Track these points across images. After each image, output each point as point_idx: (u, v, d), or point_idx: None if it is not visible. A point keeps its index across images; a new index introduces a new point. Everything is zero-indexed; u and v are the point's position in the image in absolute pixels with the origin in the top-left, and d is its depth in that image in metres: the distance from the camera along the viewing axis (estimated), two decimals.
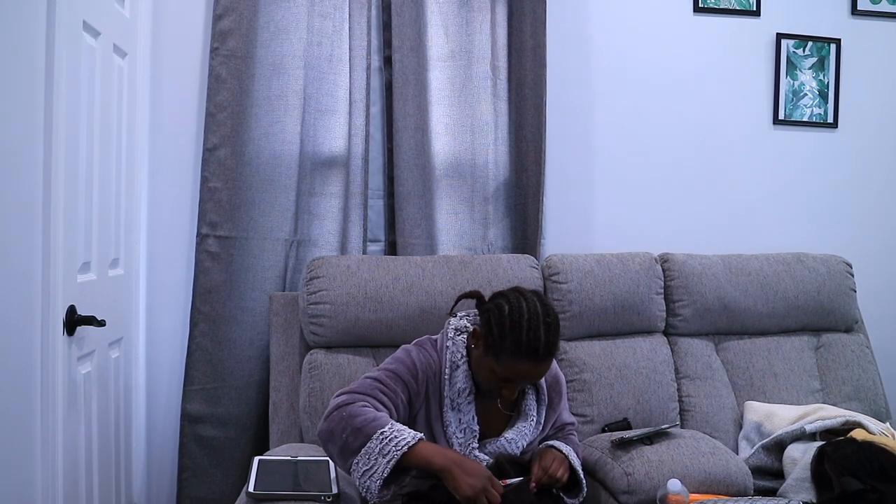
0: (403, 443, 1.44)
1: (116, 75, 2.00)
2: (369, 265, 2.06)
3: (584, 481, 1.67)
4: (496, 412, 1.65)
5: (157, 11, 2.27)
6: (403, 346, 1.68)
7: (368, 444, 1.44)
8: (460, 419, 1.61)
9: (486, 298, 1.63)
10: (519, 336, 1.50)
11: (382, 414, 1.50)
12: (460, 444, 1.60)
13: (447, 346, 1.63)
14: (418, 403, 1.60)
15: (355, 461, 1.45)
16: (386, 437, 1.44)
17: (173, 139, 2.30)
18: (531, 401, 1.69)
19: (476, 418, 1.62)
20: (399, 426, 1.48)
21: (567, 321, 2.17)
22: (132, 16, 2.13)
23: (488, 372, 1.55)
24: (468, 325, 1.66)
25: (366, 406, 1.50)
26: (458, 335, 1.65)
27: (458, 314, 1.70)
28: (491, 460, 1.61)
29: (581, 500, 1.67)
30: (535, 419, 1.68)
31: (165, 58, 2.28)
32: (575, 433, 1.81)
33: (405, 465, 1.45)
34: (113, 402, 2.01)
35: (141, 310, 2.26)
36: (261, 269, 2.26)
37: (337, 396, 1.55)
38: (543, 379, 1.69)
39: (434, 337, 1.69)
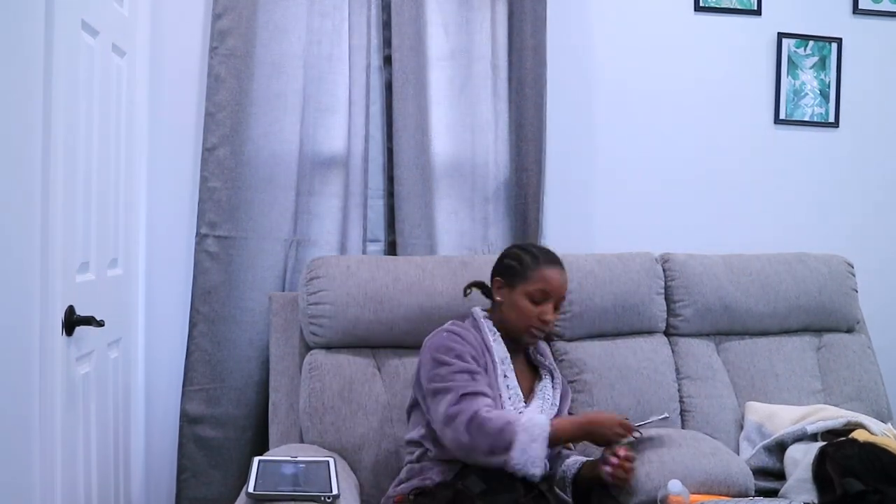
0: (543, 423, 1.60)
1: (115, 75, 1.99)
2: (369, 265, 2.05)
3: None
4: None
5: (156, 10, 2.26)
6: (441, 334, 1.74)
7: (518, 438, 1.57)
8: (508, 385, 1.73)
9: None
10: (535, 252, 1.79)
11: (503, 411, 1.65)
12: (514, 407, 1.71)
13: (482, 323, 1.79)
14: (486, 364, 1.73)
15: (511, 456, 1.56)
16: (527, 427, 1.58)
17: (172, 139, 2.29)
18: (547, 383, 1.82)
19: (519, 387, 1.75)
20: (526, 414, 1.66)
21: (567, 321, 2.16)
22: (131, 15, 2.12)
23: (523, 302, 1.73)
24: (484, 311, 1.84)
25: (487, 408, 1.62)
26: (485, 318, 1.81)
27: (474, 307, 1.85)
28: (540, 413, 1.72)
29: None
30: (550, 400, 1.79)
31: (164, 57, 2.27)
32: None
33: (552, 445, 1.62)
34: (112, 403, 2.00)
35: (140, 310, 2.26)
36: (260, 269, 2.26)
37: (455, 404, 1.62)
38: (553, 366, 1.87)
39: (459, 321, 1.81)
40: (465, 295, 1.88)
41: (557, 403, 1.80)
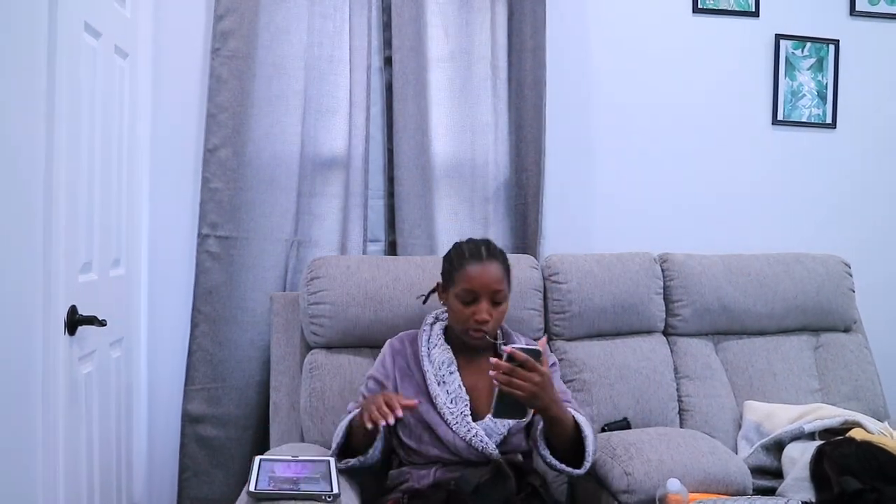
0: (352, 414, 1.64)
1: (117, 76, 2.00)
2: (369, 265, 2.06)
3: (589, 448, 1.63)
4: (482, 392, 1.70)
5: (158, 12, 2.27)
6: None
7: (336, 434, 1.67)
8: (447, 391, 1.70)
9: None
10: (462, 250, 1.74)
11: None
12: (453, 414, 1.68)
13: (424, 330, 1.80)
14: (397, 384, 1.74)
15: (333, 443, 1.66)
16: (347, 417, 1.67)
17: (174, 140, 2.30)
18: None
19: (463, 388, 1.70)
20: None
21: (567, 321, 2.17)
22: (133, 16, 2.13)
23: (456, 305, 1.69)
24: (440, 314, 1.84)
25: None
26: (435, 323, 1.82)
27: (431, 313, 1.85)
28: (484, 433, 1.66)
29: (586, 469, 1.64)
30: None
31: (166, 58, 2.28)
32: (572, 401, 1.80)
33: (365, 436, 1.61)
34: (114, 403, 2.01)
35: (142, 310, 2.26)
36: (261, 270, 2.26)
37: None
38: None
39: (408, 334, 1.84)
40: (423, 303, 1.89)
41: None
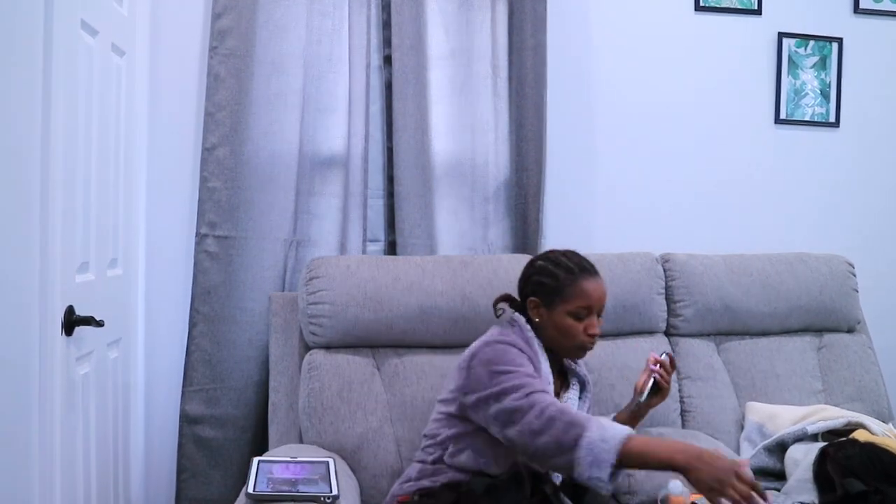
0: (621, 428, 1.44)
1: (115, 74, 1.99)
2: (369, 265, 2.05)
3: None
4: None
5: (156, 10, 2.26)
6: (493, 345, 1.63)
7: (587, 433, 1.43)
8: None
9: (518, 296, 1.78)
10: (568, 265, 1.68)
11: (586, 414, 1.59)
12: None
13: (531, 338, 1.68)
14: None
15: (580, 456, 1.42)
16: (602, 424, 1.44)
17: (172, 138, 2.29)
18: (573, 394, 1.77)
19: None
20: (604, 419, 1.56)
21: None
22: (130, 14, 2.12)
23: (567, 322, 1.65)
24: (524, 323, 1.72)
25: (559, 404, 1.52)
26: (530, 332, 1.71)
27: (514, 316, 1.74)
28: None
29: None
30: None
31: (164, 57, 2.27)
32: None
33: (625, 462, 1.42)
34: (111, 403, 2.00)
35: (139, 310, 2.25)
36: (260, 270, 2.25)
37: (524, 398, 1.51)
38: (586, 373, 1.82)
39: (505, 331, 1.69)
40: (497, 315, 1.77)
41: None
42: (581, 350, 1.70)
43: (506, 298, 1.79)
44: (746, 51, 2.69)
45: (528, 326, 1.71)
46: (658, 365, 1.75)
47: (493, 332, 1.70)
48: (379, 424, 1.92)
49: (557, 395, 1.75)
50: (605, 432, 1.43)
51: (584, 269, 1.68)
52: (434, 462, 1.69)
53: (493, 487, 1.54)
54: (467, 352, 1.68)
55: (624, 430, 1.45)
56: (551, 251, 1.77)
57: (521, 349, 1.63)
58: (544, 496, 1.61)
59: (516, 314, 1.75)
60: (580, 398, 1.78)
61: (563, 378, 1.80)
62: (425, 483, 1.66)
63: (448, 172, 2.42)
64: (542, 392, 1.54)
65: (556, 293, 1.66)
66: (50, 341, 1.56)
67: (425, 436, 1.74)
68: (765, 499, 1.32)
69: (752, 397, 2.22)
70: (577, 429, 1.44)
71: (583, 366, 1.82)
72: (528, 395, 1.53)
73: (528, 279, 1.73)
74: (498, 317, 1.78)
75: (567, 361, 1.81)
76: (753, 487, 1.32)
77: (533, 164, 2.43)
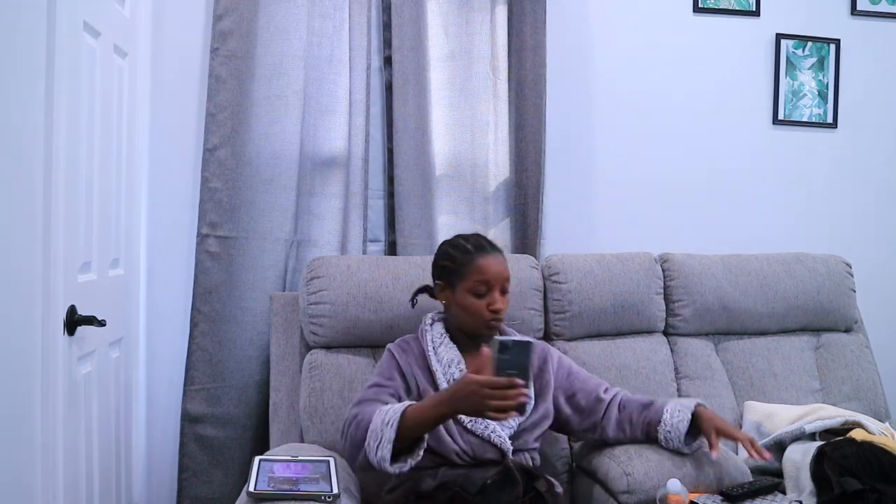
0: (399, 407, 1.53)
1: (117, 76, 2.00)
2: (369, 265, 2.06)
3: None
4: None
5: (158, 12, 2.27)
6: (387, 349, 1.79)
7: (372, 422, 1.54)
8: None
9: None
10: (464, 245, 1.73)
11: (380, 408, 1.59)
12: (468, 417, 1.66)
13: (425, 330, 1.78)
14: (413, 390, 1.71)
15: (366, 443, 1.53)
16: (384, 411, 1.54)
17: (173, 139, 2.30)
18: None
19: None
20: (387, 407, 1.56)
21: (567, 321, 2.17)
22: (132, 16, 2.13)
23: (468, 300, 1.69)
24: (436, 314, 1.82)
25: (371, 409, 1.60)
26: (433, 323, 1.79)
27: (428, 313, 1.83)
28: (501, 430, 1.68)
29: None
30: None
31: (166, 58, 2.28)
32: (609, 385, 1.86)
33: (414, 435, 1.52)
34: (113, 402, 2.01)
35: (141, 310, 2.26)
36: (261, 269, 2.26)
37: (351, 409, 1.64)
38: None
39: (407, 337, 1.82)
40: (413, 305, 1.86)
41: (532, 397, 1.73)
42: (487, 328, 1.71)
43: (423, 290, 1.85)
44: (745, 52, 2.70)
45: (429, 321, 1.78)
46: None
47: (394, 342, 1.80)
48: None
49: None
50: (385, 415, 1.52)
51: (479, 248, 1.72)
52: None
53: (486, 487, 1.56)
54: None
55: (402, 406, 1.53)
56: (456, 235, 1.81)
57: (393, 353, 1.74)
58: (537, 494, 1.62)
59: (426, 315, 1.81)
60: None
61: None
62: (408, 485, 1.67)
63: (448, 173, 2.43)
64: (364, 402, 1.62)
65: (454, 274, 1.72)
66: (52, 341, 1.57)
67: None
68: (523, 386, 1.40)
69: (749, 396, 2.23)
70: (363, 423, 1.55)
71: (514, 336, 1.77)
72: (350, 406, 1.65)
73: (435, 264, 1.79)
74: (413, 307, 1.86)
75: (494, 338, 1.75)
76: (506, 385, 1.40)
77: (532, 164, 2.44)
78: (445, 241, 1.82)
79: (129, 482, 2.17)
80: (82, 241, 1.75)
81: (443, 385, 1.70)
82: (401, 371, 1.72)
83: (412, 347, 1.77)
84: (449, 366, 1.72)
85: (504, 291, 1.72)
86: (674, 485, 1.61)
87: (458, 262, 1.72)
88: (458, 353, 1.74)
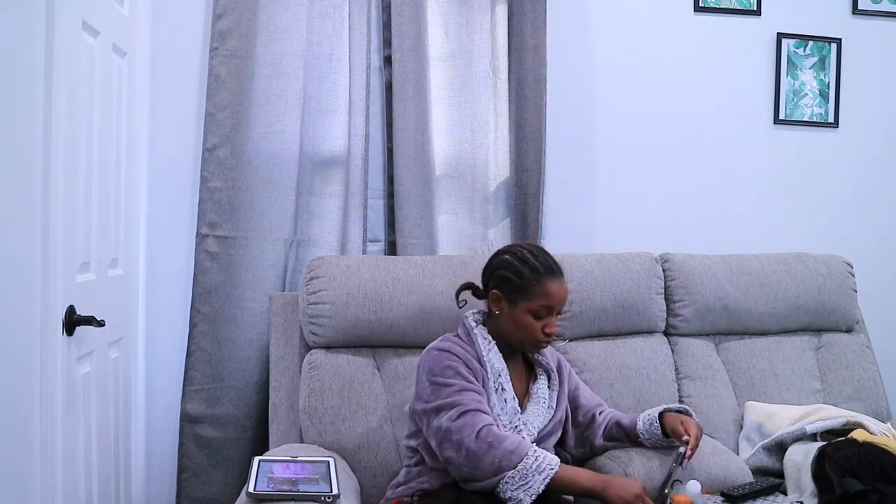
0: (553, 462, 1.55)
1: (116, 75, 1.99)
2: (369, 265, 2.05)
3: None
4: (520, 399, 1.73)
5: (157, 11, 2.27)
6: (433, 353, 1.68)
7: (524, 462, 1.53)
8: (505, 399, 1.68)
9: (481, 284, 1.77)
10: (534, 264, 1.66)
11: (519, 437, 1.61)
12: (505, 425, 1.65)
13: (475, 334, 1.71)
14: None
15: (510, 475, 1.52)
16: (534, 456, 1.55)
17: (173, 139, 2.30)
18: (542, 384, 1.77)
19: (516, 399, 1.69)
20: (540, 450, 1.58)
21: (567, 321, 2.16)
22: (131, 15, 2.12)
23: (526, 319, 1.65)
24: (478, 316, 1.76)
25: (497, 428, 1.60)
26: (477, 325, 1.73)
27: (466, 314, 1.77)
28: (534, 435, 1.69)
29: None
30: (546, 402, 1.75)
31: (165, 57, 2.28)
32: (602, 403, 1.91)
33: (553, 489, 1.55)
34: (112, 403, 2.00)
35: (140, 310, 2.26)
36: (260, 269, 2.26)
37: (457, 419, 1.57)
38: (552, 361, 1.81)
39: (451, 335, 1.74)
40: (460, 306, 1.78)
41: (554, 406, 1.76)
42: (535, 347, 1.71)
43: (468, 287, 1.78)
44: (745, 51, 2.70)
45: (474, 324, 1.73)
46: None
47: (438, 340, 1.72)
48: (379, 424, 1.92)
49: (527, 387, 1.76)
50: (541, 462, 1.54)
51: (549, 270, 1.67)
52: (417, 464, 1.71)
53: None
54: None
55: (556, 461, 1.55)
56: (518, 245, 1.76)
57: (459, 356, 1.65)
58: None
59: (468, 314, 1.76)
60: (549, 387, 1.78)
61: (530, 368, 1.81)
62: (414, 485, 1.67)
63: (448, 172, 2.43)
64: (474, 411, 1.58)
65: (519, 291, 1.66)
66: (51, 341, 1.57)
67: (406, 437, 1.75)
68: None
69: (750, 397, 2.23)
70: (515, 457, 1.53)
71: (548, 356, 1.81)
72: (461, 414, 1.58)
73: (493, 272, 1.72)
74: (461, 307, 1.78)
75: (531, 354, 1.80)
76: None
77: (533, 164, 2.43)
78: (508, 250, 1.74)
79: (128, 482, 2.16)
80: (81, 241, 1.75)
81: (491, 393, 1.66)
82: (473, 373, 1.66)
83: (462, 348, 1.68)
84: (499, 375, 1.68)
85: (560, 313, 1.72)
86: (694, 486, 1.61)
87: (526, 280, 1.65)
88: (503, 362, 1.70)
